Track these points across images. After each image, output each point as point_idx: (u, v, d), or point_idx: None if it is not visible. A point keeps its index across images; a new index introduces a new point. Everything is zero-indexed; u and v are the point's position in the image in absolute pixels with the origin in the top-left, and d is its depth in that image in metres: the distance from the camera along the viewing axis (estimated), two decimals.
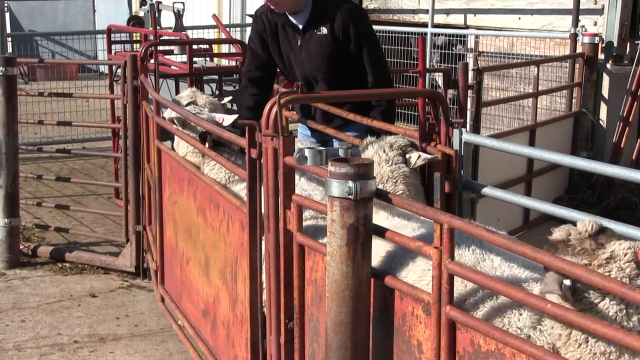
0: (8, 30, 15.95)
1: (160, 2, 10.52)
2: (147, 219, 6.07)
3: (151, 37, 8.93)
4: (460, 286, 2.63)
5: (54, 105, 10.95)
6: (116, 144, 8.59)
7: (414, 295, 2.67)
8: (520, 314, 2.54)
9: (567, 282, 2.24)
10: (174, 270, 5.16)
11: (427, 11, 10.12)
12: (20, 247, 6.85)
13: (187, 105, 5.04)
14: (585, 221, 2.38)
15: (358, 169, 2.69)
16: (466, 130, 4.21)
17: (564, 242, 2.36)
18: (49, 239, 7.33)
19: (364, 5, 11.03)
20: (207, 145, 4.65)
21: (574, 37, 8.38)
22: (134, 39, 12.04)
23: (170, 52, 9.05)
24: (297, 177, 4.04)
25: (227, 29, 12.18)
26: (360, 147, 3.96)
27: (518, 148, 4.31)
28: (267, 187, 3.33)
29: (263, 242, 3.58)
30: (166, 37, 9.70)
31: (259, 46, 5.06)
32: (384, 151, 3.76)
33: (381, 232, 2.81)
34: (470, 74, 6.98)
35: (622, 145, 8.13)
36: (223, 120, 4.89)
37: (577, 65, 8.26)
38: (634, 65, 8.12)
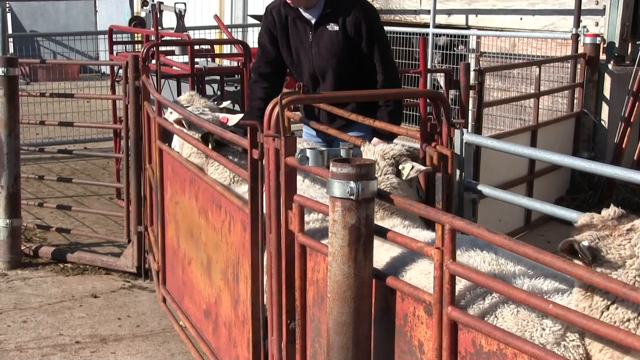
0: (10, 31, 15.97)
1: (162, 3, 10.54)
2: (148, 220, 6.07)
3: (153, 38, 8.94)
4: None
5: (56, 105, 10.96)
6: (118, 145, 8.59)
7: (416, 296, 2.67)
8: (543, 329, 2.49)
9: (584, 243, 2.29)
10: (175, 270, 5.17)
11: (428, 12, 10.12)
12: (22, 248, 6.85)
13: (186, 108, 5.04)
14: (610, 208, 2.43)
15: (360, 169, 2.69)
16: (467, 130, 4.21)
17: (588, 225, 2.42)
18: (51, 240, 7.33)
19: None
20: (209, 146, 4.65)
21: (575, 38, 8.38)
22: (136, 39, 12.05)
23: (172, 53, 9.06)
24: (303, 183, 4.06)
25: (229, 29, 12.19)
26: None
27: (519, 149, 4.31)
28: (269, 187, 3.33)
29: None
30: (168, 38, 9.71)
31: (268, 42, 5.04)
32: (376, 160, 3.73)
33: (383, 232, 2.81)
34: (472, 74, 6.98)
35: (623, 146, 8.13)
36: (228, 120, 4.89)
37: (578, 66, 8.26)
38: (635, 65, 8.12)
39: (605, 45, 8.38)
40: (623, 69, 8.40)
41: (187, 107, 5.08)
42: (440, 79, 9.82)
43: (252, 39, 13.43)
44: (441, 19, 10.25)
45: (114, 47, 9.80)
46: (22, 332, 5.48)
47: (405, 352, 2.77)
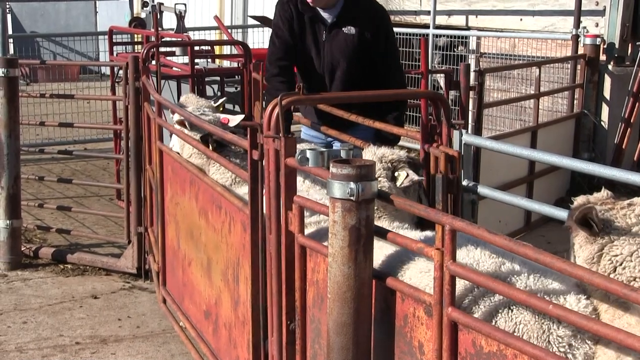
0: (10, 32, 15.95)
1: (162, 4, 10.54)
2: (148, 221, 6.07)
3: (153, 39, 8.93)
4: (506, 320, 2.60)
5: (56, 106, 10.97)
6: (118, 146, 8.59)
7: (416, 297, 2.67)
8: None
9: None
10: (175, 271, 5.17)
11: (428, 12, 10.13)
12: (22, 249, 6.85)
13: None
14: (602, 190, 2.70)
15: (360, 170, 2.69)
16: (467, 131, 4.22)
17: (584, 204, 2.64)
18: (51, 241, 7.33)
19: None
20: (210, 147, 4.65)
21: (575, 39, 8.38)
22: (136, 40, 12.04)
23: (172, 54, 9.05)
24: (304, 184, 4.05)
25: (229, 30, 12.19)
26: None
27: (518, 150, 4.32)
28: (269, 188, 3.33)
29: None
30: (168, 39, 9.71)
31: (287, 33, 4.95)
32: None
33: (383, 233, 2.81)
34: (472, 75, 6.98)
35: (623, 147, 8.13)
36: (229, 121, 4.89)
37: (578, 67, 8.26)
38: (635, 66, 8.12)
39: (605, 46, 8.39)
40: (623, 70, 8.40)
41: (187, 108, 5.09)
42: (441, 79, 9.82)
43: (252, 39, 13.45)
44: (441, 19, 10.26)
45: (114, 48, 9.80)
46: (22, 333, 5.48)
47: (406, 352, 2.77)
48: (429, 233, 3.28)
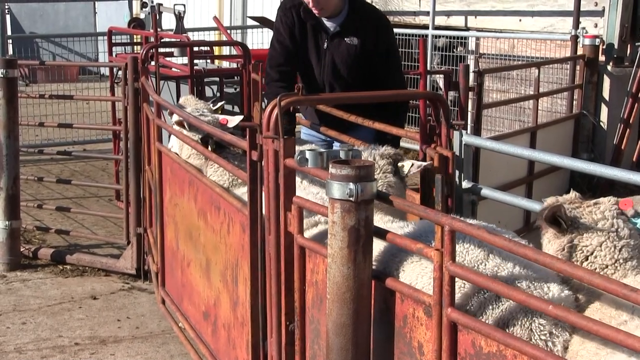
0: (9, 32, 15.98)
1: (161, 4, 10.54)
2: (147, 221, 6.07)
3: (152, 39, 8.93)
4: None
5: (55, 107, 10.97)
6: (117, 146, 8.59)
7: (415, 297, 2.67)
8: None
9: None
10: (174, 272, 5.16)
11: (428, 13, 10.13)
12: (21, 250, 6.85)
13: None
14: (571, 192, 2.97)
15: (359, 170, 2.69)
16: (466, 132, 4.21)
17: (553, 204, 2.89)
18: (50, 241, 7.33)
19: None
20: (209, 148, 4.65)
21: (574, 39, 8.38)
22: (135, 41, 12.04)
23: (171, 54, 9.05)
24: (302, 184, 4.05)
25: (228, 31, 12.19)
26: None
27: (518, 150, 4.31)
28: (268, 189, 3.33)
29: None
30: (167, 39, 9.70)
31: (289, 39, 4.94)
32: (374, 159, 3.75)
33: (382, 234, 2.81)
34: (471, 75, 6.98)
35: (622, 147, 8.13)
36: (227, 122, 4.89)
37: (577, 67, 8.26)
38: (634, 67, 8.12)
39: (604, 47, 8.39)
40: (622, 71, 8.40)
41: (185, 109, 5.08)
42: (440, 80, 9.83)
43: (252, 40, 13.45)
44: (440, 20, 10.26)
45: (113, 48, 9.79)
46: (21, 334, 5.48)
47: (405, 353, 2.77)
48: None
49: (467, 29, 10.08)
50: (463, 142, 4.10)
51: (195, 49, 8.62)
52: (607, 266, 2.76)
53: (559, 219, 2.81)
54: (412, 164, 3.75)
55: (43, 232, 7.45)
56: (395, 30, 10.14)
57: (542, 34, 9.12)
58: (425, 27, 10.17)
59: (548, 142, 7.50)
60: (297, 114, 5.26)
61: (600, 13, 8.53)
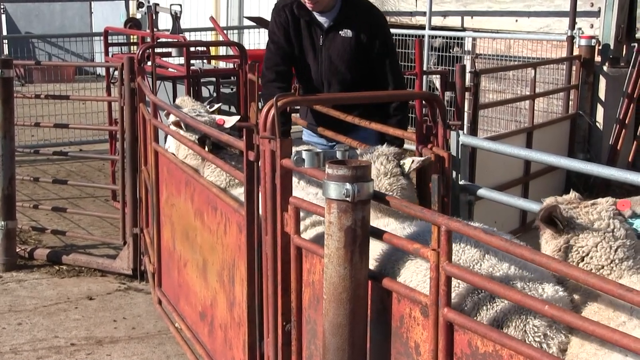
0: (4, 32, 15.96)
1: (158, 4, 10.54)
2: (144, 222, 6.06)
3: (148, 40, 8.93)
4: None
5: (51, 107, 10.95)
6: (113, 147, 8.59)
7: (412, 297, 2.67)
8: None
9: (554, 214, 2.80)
10: (171, 272, 5.16)
11: (424, 13, 10.14)
12: (17, 250, 6.84)
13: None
14: (571, 192, 2.98)
15: (355, 171, 2.69)
16: (463, 132, 4.22)
17: (551, 204, 2.91)
18: (46, 242, 7.32)
19: None
20: (206, 148, 4.64)
21: (570, 40, 8.39)
22: (131, 41, 12.04)
23: (168, 55, 9.05)
24: (299, 184, 4.05)
25: (225, 31, 12.19)
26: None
27: (515, 150, 4.32)
28: (265, 189, 3.33)
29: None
30: (163, 40, 9.70)
31: (283, 39, 4.93)
32: (382, 163, 3.74)
33: (379, 234, 2.81)
34: (468, 76, 6.99)
35: (618, 147, 8.15)
36: (224, 122, 4.88)
37: (573, 68, 8.28)
38: (630, 67, 8.13)
39: (600, 47, 8.40)
40: (618, 71, 8.41)
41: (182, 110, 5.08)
42: (436, 80, 9.83)
43: (248, 40, 13.44)
44: (437, 20, 10.27)
45: (110, 48, 9.78)
46: (17, 335, 5.47)
47: (402, 353, 2.77)
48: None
49: (464, 29, 10.09)
50: (459, 142, 4.10)
51: (192, 49, 8.62)
52: (602, 267, 2.75)
53: (555, 219, 2.81)
54: (413, 161, 3.76)
55: (39, 232, 7.44)
56: (392, 30, 10.15)
57: (538, 35, 9.13)
58: (422, 27, 10.18)
59: (544, 142, 7.51)
60: (294, 114, 5.25)
61: (596, 14, 8.54)
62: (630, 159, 8.19)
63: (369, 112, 4.63)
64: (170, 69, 8.57)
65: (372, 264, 2.94)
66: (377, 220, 3.47)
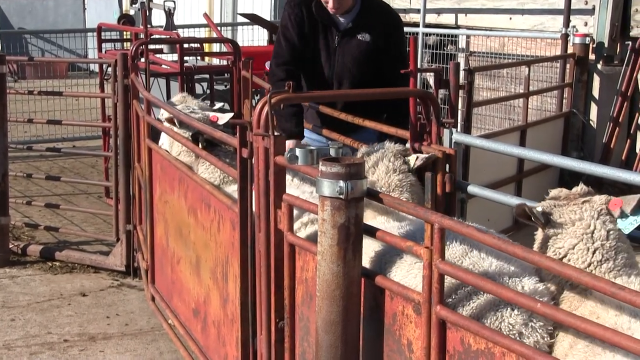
0: None
1: (151, 1, 10.50)
2: (137, 218, 6.06)
3: (142, 36, 8.90)
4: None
5: (44, 103, 10.92)
6: (106, 143, 8.57)
7: (405, 295, 2.67)
8: (512, 310, 2.58)
9: (538, 208, 2.77)
10: (164, 269, 5.16)
11: (418, 11, 10.13)
12: (10, 246, 6.83)
13: None
14: (579, 186, 2.88)
15: (349, 168, 2.69)
16: (457, 130, 4.22)
17: (556, 197, 2.87)
18: (39, 238, 7.31)
19: None
20: (200, 145, 4.63)
21: (564, 38, 8.39)
22: (125, 37, 12.01)
23: (161, 51, 9.02)
24: (292, 182, 4.05)
25: (218, 28, 12.16)
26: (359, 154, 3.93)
27: (508, 148, 4.32)
28: (258, 186, 3.33)
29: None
30: (157, 36, 9.67)
31: (297, 36, 4.79)
32: (390, 160, 3.75)
33: (372, 231, 2.81)
34: (462, 74, 6.98)
35: (612, 146, 8.15)
36: (218, 119, 4.87)
37: (567, 66, 8.28)
38: (624, 65, 8.14)
39: (594, 45, 8.40)
40: (612, 69, 8.42)
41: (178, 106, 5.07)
42: (430, 78, 9.82)
43: (242, 37, 13.42)
44: (431, 18, 10.26)
45: (103, 45, 9.75)
46: (10, 331, 5.46)
47: (394, 351, 2.77)
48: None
49: (458, 27, 10.09)
50: (453, 140, 4.10)
51: (185, 45, 8.60)
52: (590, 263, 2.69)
53: (529, 215, 2.74)
54: (417, 157, 3.76)
55: (32, 228, 7.43)
56: None
57: (532, 32, 9.13)
58: (416, 25, 10.17)
59: (538, 140, 7.51)
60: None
61: (591, 12, 8.54)
62: (623, 157, 8.20)
63: (372, 112, 4.59)
64: (163, 66, 8.55)
65: (365, 262, 2.94)
66: (378, 218, 3.47)
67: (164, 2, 10.09)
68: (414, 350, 2.67)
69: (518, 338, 2.53)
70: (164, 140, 5.15)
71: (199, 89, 8.43)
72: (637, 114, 8.18)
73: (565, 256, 2.69)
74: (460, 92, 6.94)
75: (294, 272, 3.20)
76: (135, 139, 5.97)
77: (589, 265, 2.66)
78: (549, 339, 2.57)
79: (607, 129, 8.19)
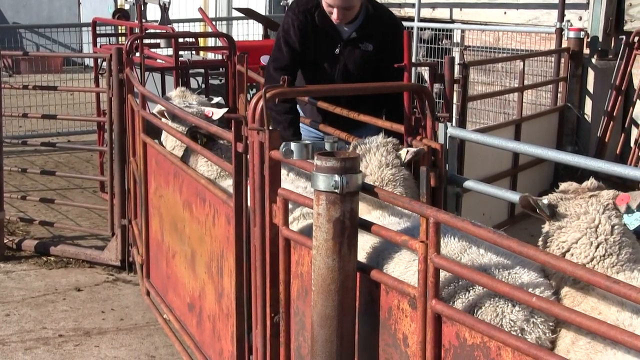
0: None
1: None
2: (132, 213, 6.05)
3: (137, 30, 8.89)
4: None
5: (39, 98, 10.90)
6: (101, 138, 8.56)
7: (400, 289, 2.67)
8: (514, 306, 2.58)
9: (544, 200, 2.75)
10: (159, 264, 5.16)
11: (413, 5, 10.12)
12: (5, 241, 6.82)
13: None
14: (590, 179, 2.88)
15: (344, 162, 2.69)
16: (452, 124, 4.22)
17: (565, 191, 2.86)
18: (34, 233, 7.30)
19: None
20: (198, 140, 4.63)
21: (559, 32, 8.40)
22: (120, 32, 11.98)
23: (156, 46, 9.01)
24: (288, 176, 4.04)
25: (213, 22, 12.14)
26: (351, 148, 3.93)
27: (503, 142, 4.33)
28: (253, 181, 3.33)
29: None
30: (152, 31, 9.66)
31: (299, 43, 4.76)
32: (382, 154, 3.74)
33: (367, 226, 2.82)
34: (456, 68, 6.98)
35: (606, 140, 8.17)
36: (212, 114, 4.87)
37: (562, 60, 8.29)
38: (618, 59, 8.15)
39: (589, 40, 8.41)
40: (606, 64, 8.43)
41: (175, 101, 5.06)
42: (425, 72, 9.82)
43: (237, 32, 13.40)
44: (425, 12, 10.26)
45: (98, 39, 9.74)
46: (4, 326, 5.46)
47: (390, 345, 2.78)
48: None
49: (452, 21, 10.09)
50: (448, 135, 4.11)
51: (181, 40, 8.59)
52: (584, 264, 2.67)
53: (533, 205, 2.73)
54: (407, 151, 3.76)
55: (27, 223, 7.42)
56: None
57: (527, 27, 9.14)
58: (411, 19, 10.16)
59: (533, 134, 7.53)
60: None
61: (585, 6, 8.55)
62: (618, 152, 8.21)
63: (375, 110, 4.58)
64: (158, 60, 8.54)
65: (363, 258, 2.94)
66: (373, 212, 3.47)
67: None
68: (410, 344, 2.67)
69: (520, 334, 2.52)
70: (165, 135, 5.14)
71: (194, 83, 8.40)
72: (631, 108, 8.20)
73: (568, 250, 2.68)
74: (455, 86, 6.94)
75: (289, 267, 3.20)
76: (130, 134, 5.96)
77: (592, 259, 2.65)
78: (550, 334, 2.57)
79: (602, 123, 8.20)
